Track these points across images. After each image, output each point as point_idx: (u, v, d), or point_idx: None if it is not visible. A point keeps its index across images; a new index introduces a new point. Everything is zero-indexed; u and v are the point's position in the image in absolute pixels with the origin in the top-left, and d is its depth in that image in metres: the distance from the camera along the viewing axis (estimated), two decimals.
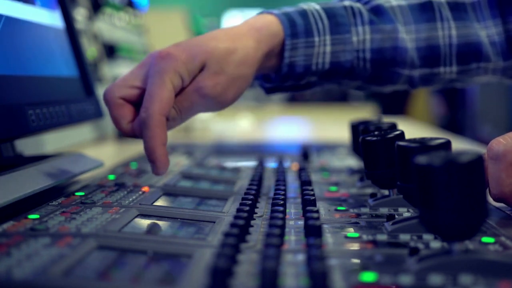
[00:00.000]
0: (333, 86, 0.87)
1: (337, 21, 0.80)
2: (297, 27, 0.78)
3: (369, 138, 0.65)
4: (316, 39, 0.79)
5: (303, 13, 0.80)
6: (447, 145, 0.55)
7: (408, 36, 0.82)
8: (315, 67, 0.80)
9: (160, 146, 0.68)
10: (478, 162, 0.43)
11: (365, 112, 2.92)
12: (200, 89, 0.71)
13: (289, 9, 0.80)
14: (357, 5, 0.82)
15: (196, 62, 0.70)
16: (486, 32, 0.84)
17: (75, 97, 0.88)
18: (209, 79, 0.71)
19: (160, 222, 0.60)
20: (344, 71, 0.81)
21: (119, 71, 1.66)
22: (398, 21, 0.82)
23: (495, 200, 0.63)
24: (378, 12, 0.82)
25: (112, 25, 1.73)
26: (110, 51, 1.66)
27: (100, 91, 1.21)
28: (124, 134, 0.71)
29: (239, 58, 0.73)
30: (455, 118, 4.61)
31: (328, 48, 0.79)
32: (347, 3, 0.83)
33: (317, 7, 0.81)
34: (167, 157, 0.69)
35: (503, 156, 0.61)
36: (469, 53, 0.84)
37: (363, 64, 0.81)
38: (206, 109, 0.74)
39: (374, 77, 0.83)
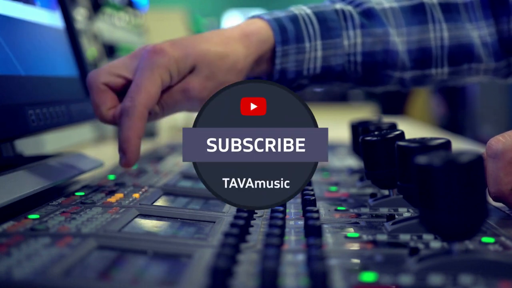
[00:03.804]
0: (324, 88, 0.87)
1: (328, 25, 0.80)
2: (288, 33, 0.78)
3: (369, 138, 0.65)
4: (307, 44, 0.79)
5: (294, 18, 0.79)
6: (447, 145, 0.55)
7: (399, 39, 0.82)
8: (307, 72, 0.80)
9: (136, 139, 0.68)
10: (478, 162, 0.43)
11: (365, 112, 2.92)
12: (187, 90, 0.72)
13: (280, 13, 0.80)
14: (348, 8, 0.82)
15: (187, 63, 0.71)
16: (478, 32, 0.84)
17: (75, 97, 0.88)
18: (198, 82, 0.72)
19: (160, 222, 0.60)
20: (335, 74, 0.81)
21: None
22: (389, 24, 0.82)
23: (493, 199, 0.63)
24: (369, 15, 0.82)
25: (112, 25, 1.73)
26: (110, 51, 1.65)
27: None
28: (102, 120, 0.71)
29: (229, 64, 0.73)
30: (455, 118, 4.60)
31: (319, 53, 0.79)
32: (338, 6, 0.82)
33: (308, 11, 0.81)
34: (139, 151, 0.68)
35: (502, 154, 0.61)
36: (461, 55, 0.84)
37: (354, 67, 0.81)
38: (189, 109, 0.75)
39: (365, 79, 0.83)
